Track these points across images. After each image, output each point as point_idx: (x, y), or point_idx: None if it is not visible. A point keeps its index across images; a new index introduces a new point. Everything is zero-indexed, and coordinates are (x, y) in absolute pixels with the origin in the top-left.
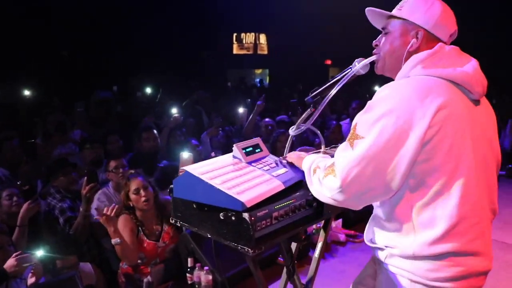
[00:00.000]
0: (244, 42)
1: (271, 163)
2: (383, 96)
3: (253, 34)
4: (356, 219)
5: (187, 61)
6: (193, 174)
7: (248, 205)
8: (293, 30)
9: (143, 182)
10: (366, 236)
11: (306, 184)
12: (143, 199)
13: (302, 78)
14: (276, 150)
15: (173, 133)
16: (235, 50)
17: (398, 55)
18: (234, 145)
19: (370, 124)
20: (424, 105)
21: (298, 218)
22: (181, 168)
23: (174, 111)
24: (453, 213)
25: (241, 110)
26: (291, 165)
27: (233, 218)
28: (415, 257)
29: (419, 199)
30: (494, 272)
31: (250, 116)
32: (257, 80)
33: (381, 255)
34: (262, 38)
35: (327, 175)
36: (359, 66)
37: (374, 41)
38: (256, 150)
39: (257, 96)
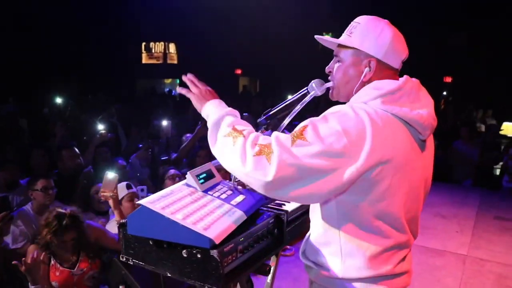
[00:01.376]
0: (153, 51)
1: (226, 191)
2: (342, 113)
3: (162, 43)
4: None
5: (96, 72)
6: (152, 210)
7: (217, 241)
8: (202, 39)
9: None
10: (301, 248)
11: (264, 211)
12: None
13: (213, 87)
14: (195, 166)
15: (98, 151)
16: (144, 59)
17: (352, 85)
18: (188, 172)
19: (320, 134)
20: (374, 142)
21: (261, 248)
22: (112, 194)
23: (101, 127)
24: (378, 245)
25: (164, 123)
26: (247, 190)
27: (198, 255)
28: (343, 279)
29: (347, 229)
30: (419, 276)
31: (189, 139)
32: (166, 89)
33: (311, 273)
34: (172, 48)
35: (260, 154)
36: (317, 90)
37: (327, 68)
38: (210, 176)
39: (173, 107)
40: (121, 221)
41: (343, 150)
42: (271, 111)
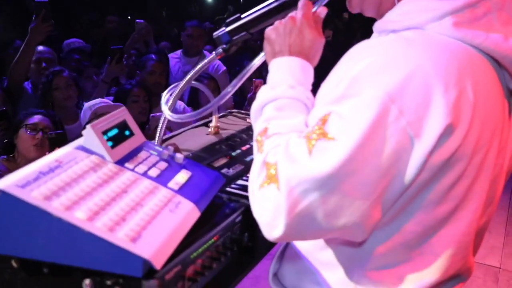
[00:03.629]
0: None
1: (158, 161)
2: (381, 57)
3: None
4: None
5: None
6: (25, 201)
7: (158, 265)
8: None
9: None
10: (273, 265)
11: (223, 199)
12: None
13: None
14: (50, 100)
15: None
16: None
17: None
18: (87, 126)
19: (354, 119)
20: (445, 96)
21: (221, 270)
22: None
23: None
24: (424, 277)
25: None
26: (191, 161)
27: None
28: None
29: (373, 240)
30: None
31: (22, 47)
32: None
33: None
34: None
35: (269, 183)
36: None
37: None
38: (125, 133)
39: None
40: None
41: (399, 128)
42: (240, 18)
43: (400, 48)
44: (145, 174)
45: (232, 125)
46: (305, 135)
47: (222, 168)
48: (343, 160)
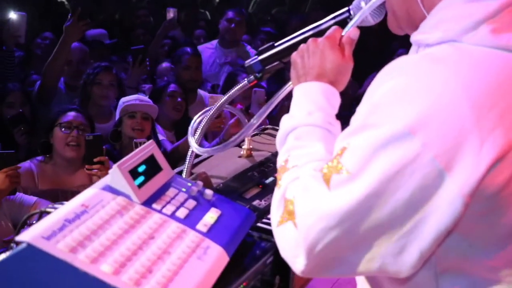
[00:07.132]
0: None
1: (186, 200)
2: (398, 91)
3: None
4: None
5: None
6: (51, 254)
7: None
8: None
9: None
10: None
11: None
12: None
13: None
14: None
15: None
16: None
17: None
18: (114, 166)
19: (371, 152)
20: (481, 124)
21: None
22: None
23: None
24: None
25: (13, 15)
26: (221, 197)
27: None
28: None
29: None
30: None
31: (57, 46)
32: None
33: None
34: None
35: (286, 221)
36: (369, 13)
37: None
38: (153, 169)
39: None
40: None
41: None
42: (273, 46)
43: (425, 70)
44: (172, 215)
45: (266, 145)
46: (322, 168)
47: (253, 199)
48: (363, 195)
